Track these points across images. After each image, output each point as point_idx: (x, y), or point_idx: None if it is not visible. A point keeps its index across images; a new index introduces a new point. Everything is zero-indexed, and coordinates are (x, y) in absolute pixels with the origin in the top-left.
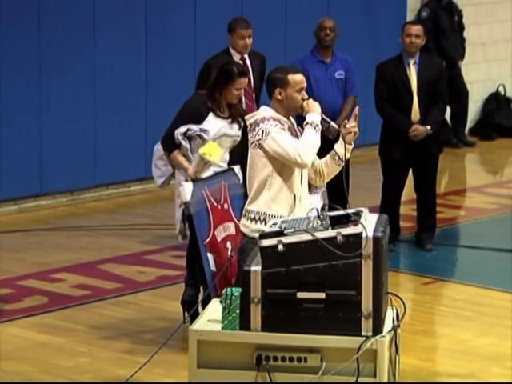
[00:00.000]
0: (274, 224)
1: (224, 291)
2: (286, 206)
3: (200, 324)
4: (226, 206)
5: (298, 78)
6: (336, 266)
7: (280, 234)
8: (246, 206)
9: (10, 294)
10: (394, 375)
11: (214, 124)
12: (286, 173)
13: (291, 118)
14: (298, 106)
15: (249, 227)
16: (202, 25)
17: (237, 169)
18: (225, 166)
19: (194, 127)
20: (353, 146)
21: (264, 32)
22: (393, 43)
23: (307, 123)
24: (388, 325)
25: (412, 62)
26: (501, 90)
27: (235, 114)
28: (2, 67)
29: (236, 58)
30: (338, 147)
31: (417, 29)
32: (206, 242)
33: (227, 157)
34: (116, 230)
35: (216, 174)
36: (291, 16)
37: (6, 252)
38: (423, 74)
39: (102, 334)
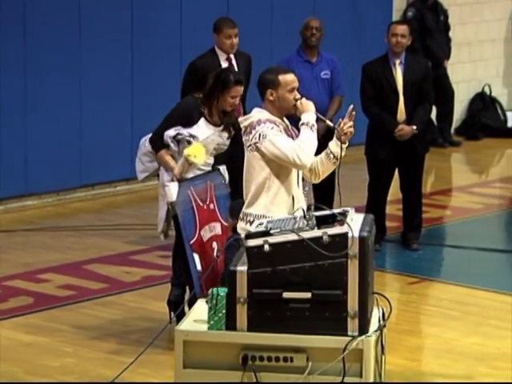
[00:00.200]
0: (260, 224)
1: (210, 291)
2: (284, 208)
3: (186, 324)
4: (211, 206)
5: (289, 78)
6: (322, 266)
7: (266, 234)
8: (243, 209)
9: None
10: (380, 375)
11: (203, 130)
12: (284, 174)
13: (285, 118)
14: (291, 106)
15: (248, 231)
16: (188, 25)
17: (222, 169)
18: (208, 170)
19: (184, 132)
20: (347, 144)
21: (250, 32)
22: (379, 43)
23: (303, 123)
24: (374, 324)
25: (398, 61)
26: (486, 89)
27: (227, 123)
28: None
29: (222, 57)
30: (333, 146)
31: (403, 29)
32: (192, 242)
33: (211, 161)
34: (102, 230)
35: (202, 174)
36: (277, 16)
37: None
38: (409, 73)
39: (88, 335)
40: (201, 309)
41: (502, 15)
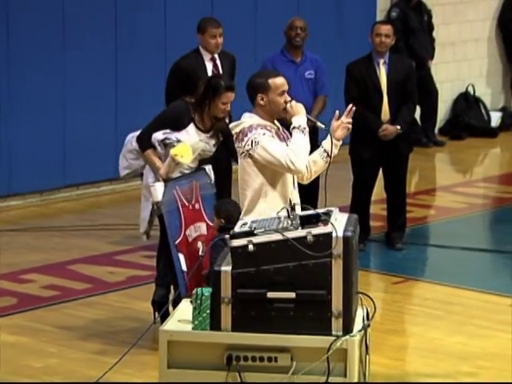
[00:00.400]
0: (244, 224)
1: (194, 291)
2: None
3: (170, 324)
4: (197, 206)
5: (278, 82)
6: (306, 266)
7: (250, 234)
8: (241, 217)
9: None
10: (365, 374)
11: (192, 136)
12: (279, 179)
13: (275, 121)
14: (281, 109)
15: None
16: (172, 25)
17: (208, 169)
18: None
19: (172, 137)
20: (341, 142)
21: (234, 32)
22: (363, 43)
23: (294, 127)
24: (358, 324)
25: (382, 61)
26: (470, 89)
27: (216, 130)
28: None
29: (206, 57)
30: (326, 144)
31: (386, 28)
32: (177, 242)
33: (195, 165)
34: (86, 230)
35: (187, 174)
36: (261, 16)
37: None
38: (393, 73)
39: (72, 335)
40: (185, 309)
41: (485, 15)
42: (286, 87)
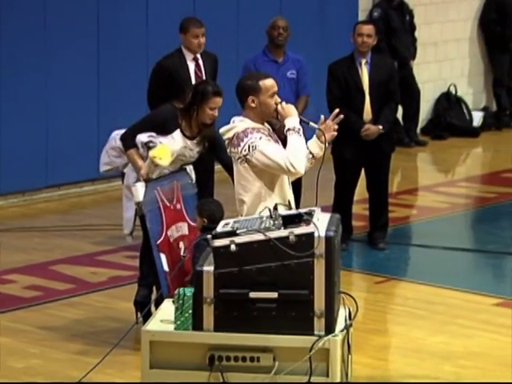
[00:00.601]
0: (227, 224)
1: (177, 291)
2: None
3: (152, 324)
4: (178, 206)
5: (268, 83)
6: (288, 266)
7: (232, 233)
8: None
9: None
10: (347, 374)
11: (177, 142)
12: (277, 181)
13: (265, 123)
14: (272, 110)
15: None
16: (155, 25)
17: (189, 169)
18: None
19: (157, 141)
20: (327, 145)
21: (216, 32)
22: (345, 43)
23: (288, 129)
24: (340, 324)
25: (364, 61)
26: (452, 89)
27: (203, 137)
28: None
29: (189, 57)
30: (313, 146)
31: (368, 28)
32: (159, 242)
33: (174, 169)
34: (68, 230)
35: (168, 174)
36: (243, 16)
37: None
38: (375, 73)
39: (54, 335)
40: (167, 309)
41: (467, 15)
42: (275, 89)
